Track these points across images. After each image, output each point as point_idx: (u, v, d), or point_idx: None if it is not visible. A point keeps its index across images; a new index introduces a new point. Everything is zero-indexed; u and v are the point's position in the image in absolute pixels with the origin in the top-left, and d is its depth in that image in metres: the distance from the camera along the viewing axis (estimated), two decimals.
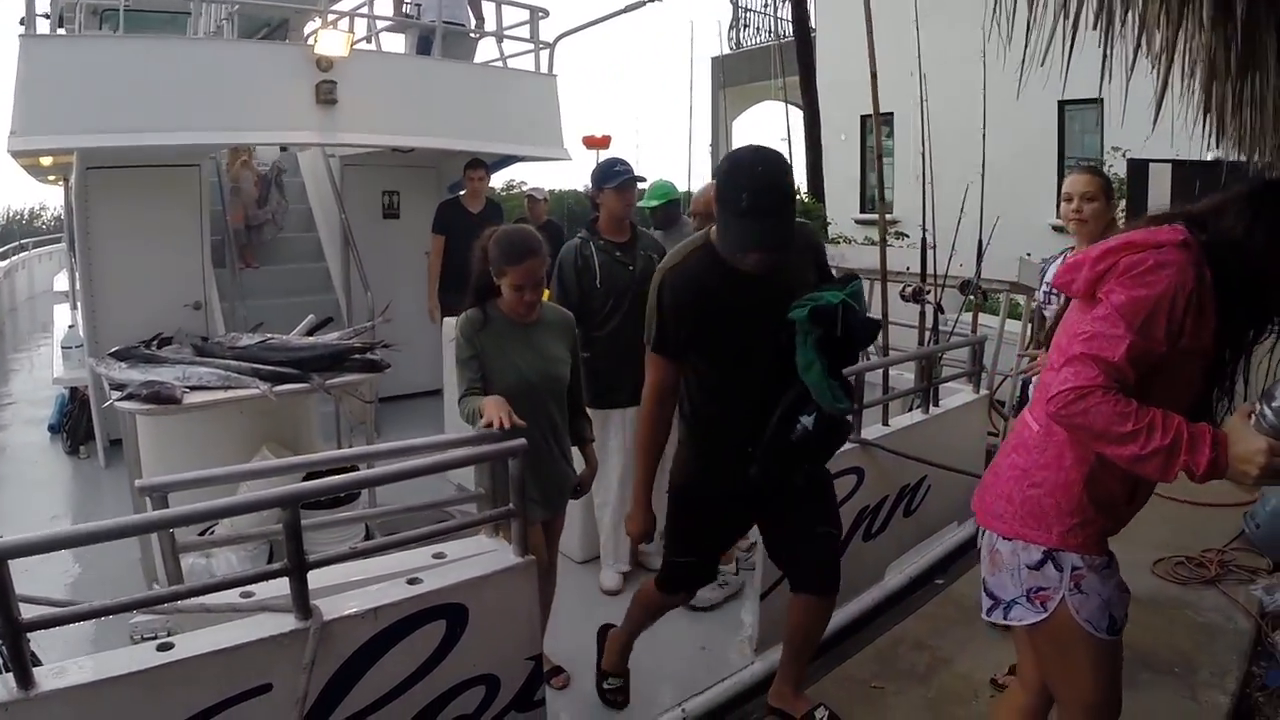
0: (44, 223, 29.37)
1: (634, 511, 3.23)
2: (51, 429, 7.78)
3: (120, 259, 6.64)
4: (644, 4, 7.20)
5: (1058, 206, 3.76)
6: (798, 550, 3.22)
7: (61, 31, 8.14)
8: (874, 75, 5.30)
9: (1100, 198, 3.59)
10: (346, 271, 7.93)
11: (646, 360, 3.05)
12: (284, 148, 9.03)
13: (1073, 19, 1.65)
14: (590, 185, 4.72)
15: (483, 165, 7.40)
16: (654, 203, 5.39)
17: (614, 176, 4.44)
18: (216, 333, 6.61)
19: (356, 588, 2.61)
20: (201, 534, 3.70)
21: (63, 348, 7.18)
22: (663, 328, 2.93)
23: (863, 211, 16.71)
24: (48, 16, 6.66)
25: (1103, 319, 1.96)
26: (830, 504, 3.31)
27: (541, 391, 3.31)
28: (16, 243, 19.58)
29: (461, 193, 7.49)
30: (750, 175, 2.66)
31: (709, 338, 2.93)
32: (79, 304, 7.13)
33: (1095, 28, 1.79)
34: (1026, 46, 1.84)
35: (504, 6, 8.19)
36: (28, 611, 2.12)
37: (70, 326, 7.54)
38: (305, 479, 3.33)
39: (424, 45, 7.77)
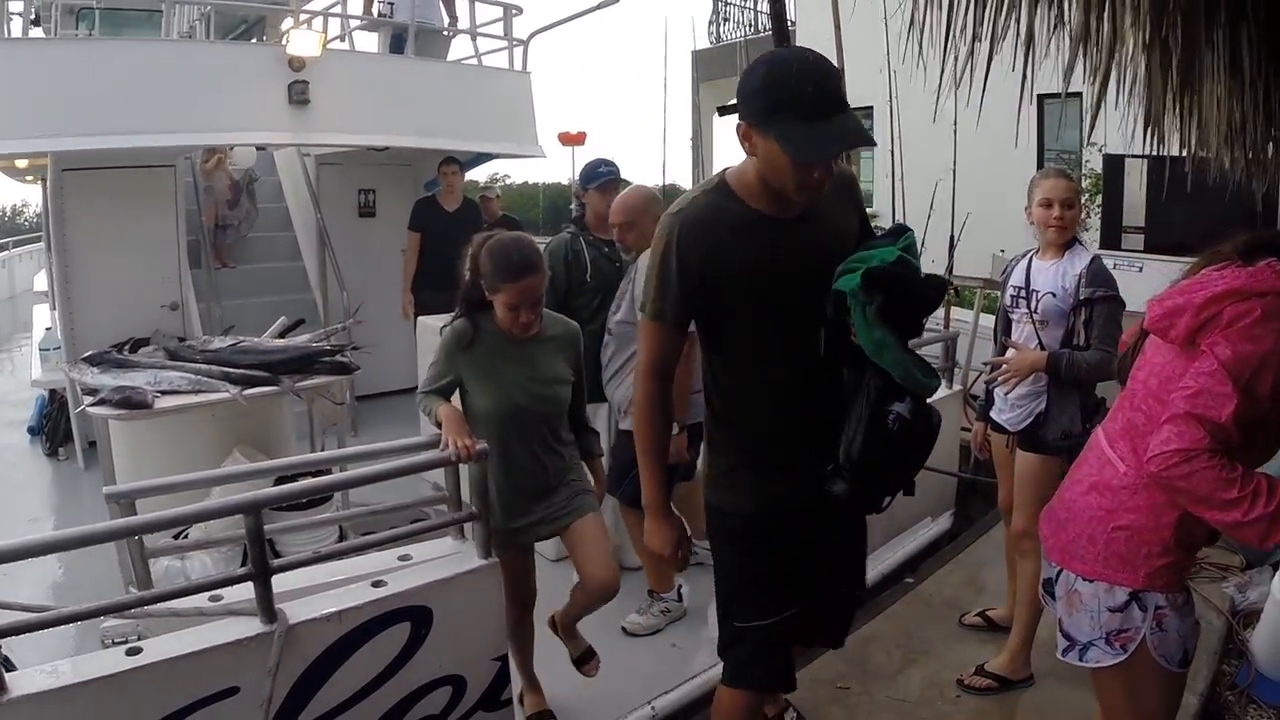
0: (26, 220, 29.11)
1: (650, 523, 2.59)
2: (31, 431, 7.78)
3: (96, 260, 6.63)
4: (616, 1, 7.21)
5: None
6: (815, 608, 2.62)
7: (38, 31, 8.15)
8: (840, 69, 5.32)
9: (1077, 203, 3.60)
10: (323, 270, 7.95)
11: (640, 332, 2.48)
12: (260, 148, 9.02)
13: (987, 45, 1.63)
14: (577, 183, 4.84)
15: (456, 161, 7.41)
16: None
17: (597, 177, 4.55)
18: (193, 333, 6.61)
19: (323, 590, 2.65)
20: (176, 537, 3.72)
21: (40, 350, 7.17)
22: (665, 286, 2.32)
23: None
24: (20, 15, 6.63)
25: (1209, 375, 1.90)
26: (862, 554, 2.78)
27: (533, 413, 3.07)
28: None
29: (438, 189, 7.49)
30: (807, 67, 2.09)
31: (732, 302, 2.33)
32: (56, 306, 7.11)
33: (1022, 49, 1.78)
34: (942, 72, 1.84)
35: (477, 4, 8.20)
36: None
37: (48, 328, 7.55)
38: (276, 483, 3.38)
39: (397, 44, 7.78)
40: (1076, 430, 3.46)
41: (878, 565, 4.84)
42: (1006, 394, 3.66)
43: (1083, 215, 3.71)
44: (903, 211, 6.04)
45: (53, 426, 7.31)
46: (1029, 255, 3.72)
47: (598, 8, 7.48)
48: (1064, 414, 3.49)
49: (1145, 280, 7.09)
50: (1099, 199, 9.39)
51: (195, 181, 8.25)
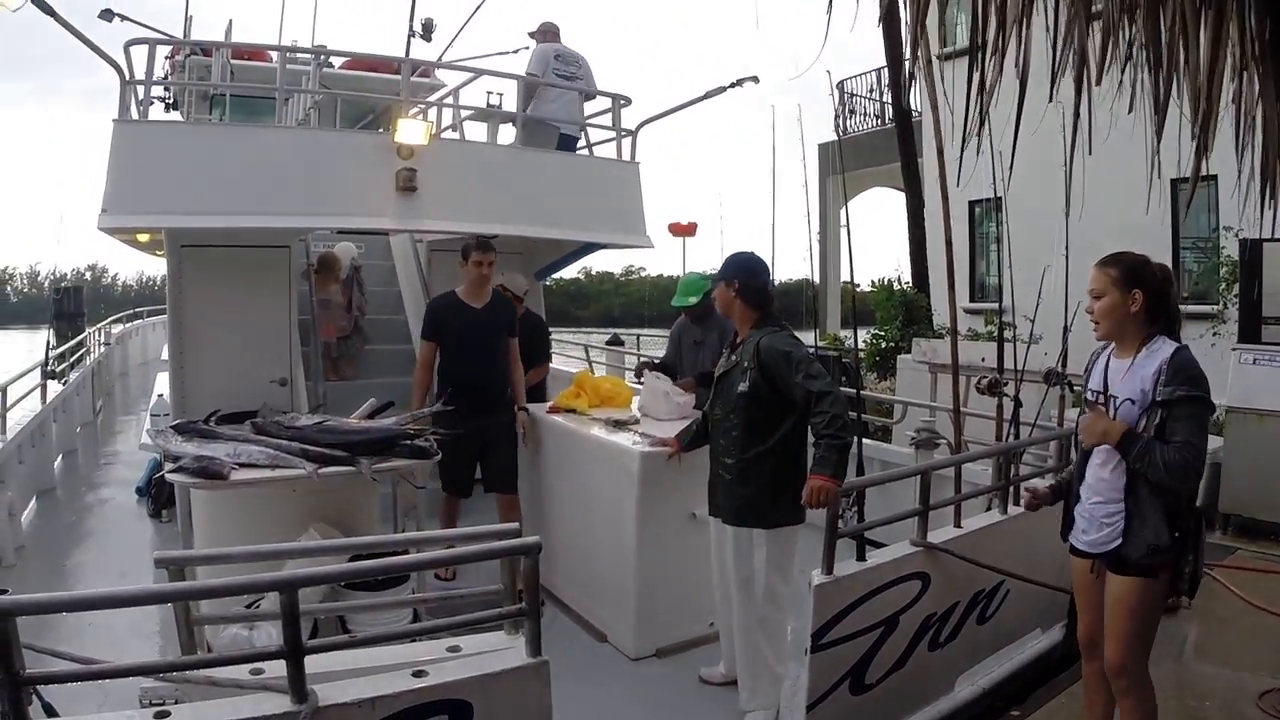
0: None
1: None
2: (138, 492, 8.05)
3: (210, 333, 6.83)
4: (725, 90, 7.19)
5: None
6: None
7: (176, 114, 8.61)
8: (941, 166, 5.13)
9: (1111, 290, 3.17)
10: None
11: None
12: (360, 246, 9.18)
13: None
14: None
15: (487, 246, 6.10)
16: (692, 300, 5.89)
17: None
18: (301, 409, 6.71)
19: (363, 674, 2.56)
20: (249, 605, 3.68)
21: (151, 415, 7.45)
22: None
23: (972, 300, 15.84)
24: (163, 100, 6.97)
25: None
26: None
27: None
28: (132, 310, 21.03)
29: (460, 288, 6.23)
30: None
31: None
32: (170, 373, 7.37)
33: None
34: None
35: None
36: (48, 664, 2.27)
37: (159, 395, 7.82)
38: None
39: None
40: (1165, 543, 3.04)
41: (983, 677, 4.48)
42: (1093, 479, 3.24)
43: (1127, 306, 3.20)
44: (1013, 303, 5.75)
45: (158, 489, 7.52)
46: (1108, 352, 3.31)
47: (704, 98, 7.48)
48: (1146, 525, 3.06)
49: None
50: (1236, 288, 8.84)
51: (309, 261, 8.41)
